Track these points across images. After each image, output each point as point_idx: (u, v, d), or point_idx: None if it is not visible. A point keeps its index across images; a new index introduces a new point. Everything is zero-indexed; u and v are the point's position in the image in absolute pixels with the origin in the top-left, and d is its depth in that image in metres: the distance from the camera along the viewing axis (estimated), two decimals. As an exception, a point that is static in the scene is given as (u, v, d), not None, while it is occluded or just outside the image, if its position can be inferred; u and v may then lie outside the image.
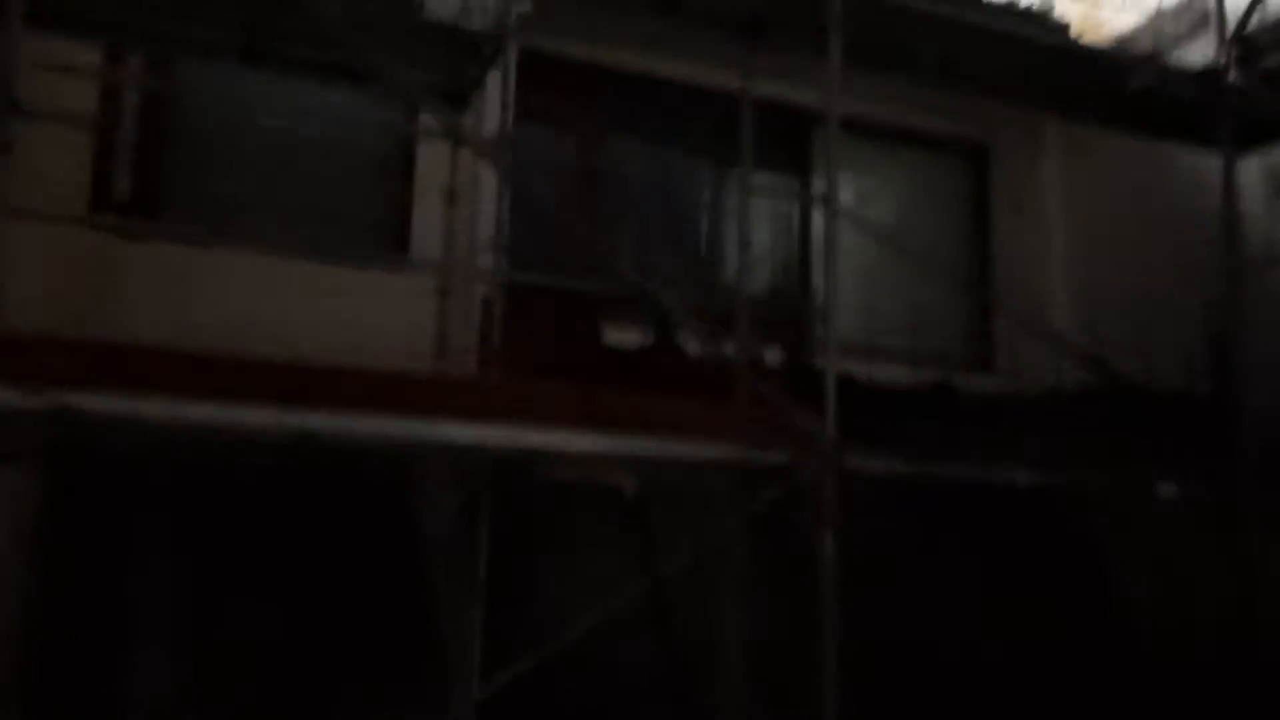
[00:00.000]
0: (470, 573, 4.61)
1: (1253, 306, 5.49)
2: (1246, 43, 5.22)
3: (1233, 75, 5.21)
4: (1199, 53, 5.47)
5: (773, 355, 5.31)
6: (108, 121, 4.70)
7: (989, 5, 5.17)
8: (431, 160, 4.98)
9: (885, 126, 6.50)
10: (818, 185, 4.83)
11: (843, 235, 4.73)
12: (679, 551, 4.11)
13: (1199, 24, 5.60)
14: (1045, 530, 5.83)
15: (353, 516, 4.76)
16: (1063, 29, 5.41)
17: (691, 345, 4.63)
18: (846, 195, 4.87)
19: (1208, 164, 5.74)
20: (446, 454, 4.15)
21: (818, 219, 4.91)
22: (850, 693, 4.12)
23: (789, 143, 5.91)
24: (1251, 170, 5.68)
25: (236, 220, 4.95)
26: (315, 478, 4.49)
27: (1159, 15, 6.05)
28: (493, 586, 4.60)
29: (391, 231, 5.16)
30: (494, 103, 5.11)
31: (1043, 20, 5.37)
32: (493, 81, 4.71)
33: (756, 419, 4.29)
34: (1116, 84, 5.20)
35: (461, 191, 4.85)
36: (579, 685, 4.70)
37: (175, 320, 4.14)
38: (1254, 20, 5.26)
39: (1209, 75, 5.27)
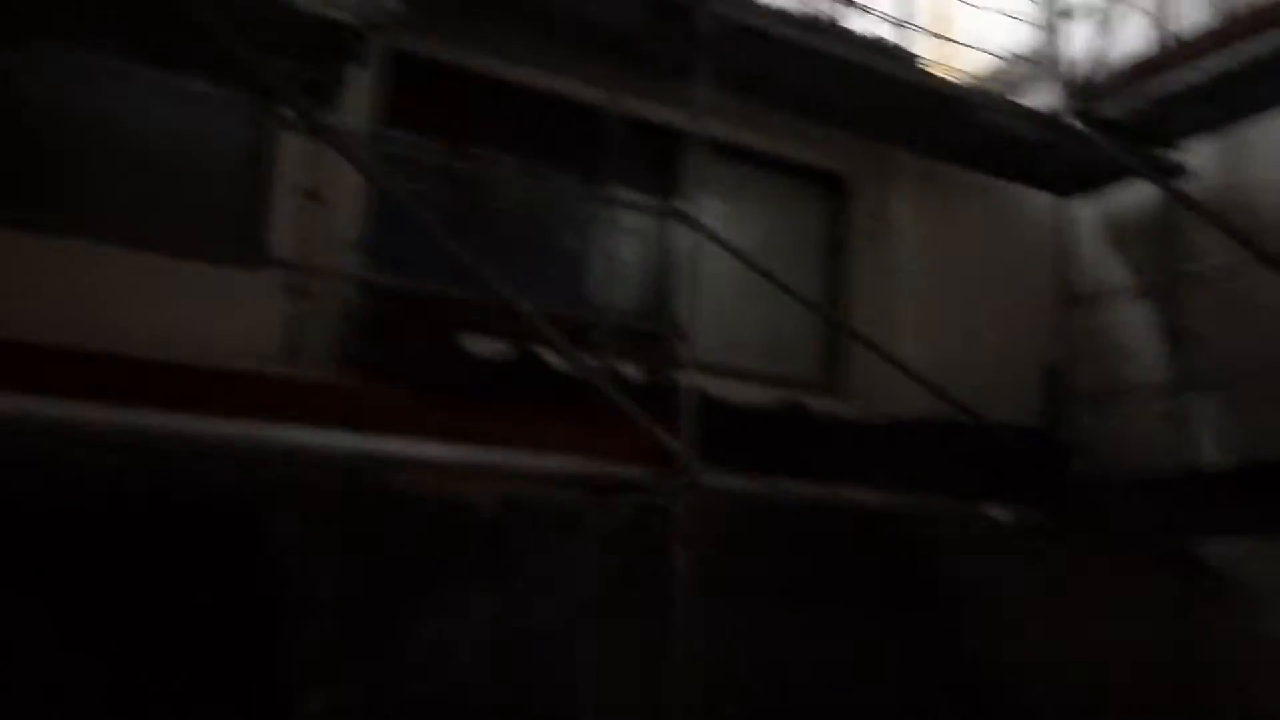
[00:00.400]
0: (315, 586, 4.46)
1: (1081, 341, 5.83)
2: (1086, 90, 5.54)
3: (1071, 120, 5.51)
4: (1043, 97, 5.78)
5: (633, 371, 5.33)
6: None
7: (848, 37, 5.34)
8: (292, 156, 4.83)
9: (749, 151, 6.63)
10: (681, 205, 4.88)
11: (704, 256, 4.81)
12: (534, 567, 4.07)
13: (1044, 69, 5.91)
14: (885, 551, 6.03)
15: (192, 525, 4.54)
16: (916, 64, 5.64)
17: (552, 358, 4.61)
18: (710, 216, 4.94)
19: (1046, 203, 6.09)
20: (293, 459, 4.00)
21: (681, 238, 4.95)
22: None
23: (655, 161, 5.96)
24: (1085, 211, 6.05)
25: (80, 209, 4.68)
26: (155, 482, 4.26)
27: (1007, 58, 6.37)
28: (339, 600, 4.46)
29: (248, 228, 4.96)
30: (360, 101, 5.00)
31: (898, 55, 5.59)
32: (359, 79, 4.61)
33: (615, 434, 4.29)
34: (964, 121, 5.46)
35: (322, 191, 4.71)
36: (427, 702, 4.59)
37: (6, 310, 3.87)
38: (1094, 68, 5.58)
39: (1049, 119, 5.57)
